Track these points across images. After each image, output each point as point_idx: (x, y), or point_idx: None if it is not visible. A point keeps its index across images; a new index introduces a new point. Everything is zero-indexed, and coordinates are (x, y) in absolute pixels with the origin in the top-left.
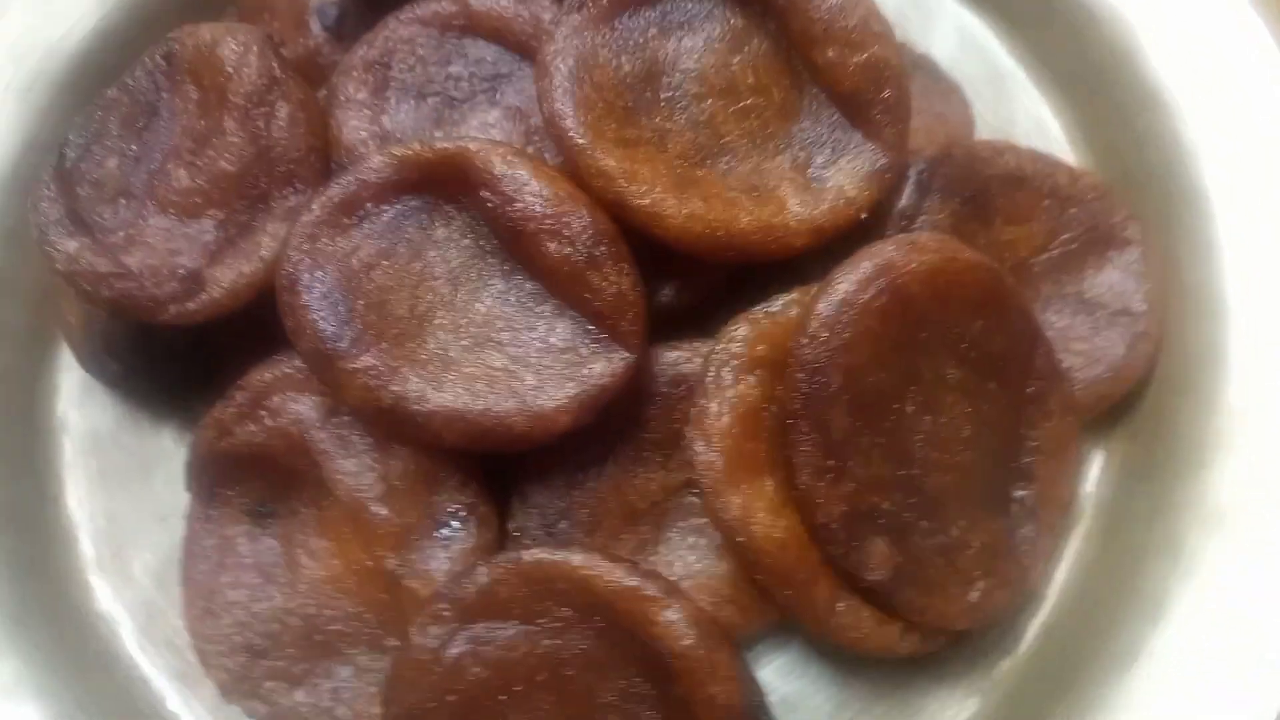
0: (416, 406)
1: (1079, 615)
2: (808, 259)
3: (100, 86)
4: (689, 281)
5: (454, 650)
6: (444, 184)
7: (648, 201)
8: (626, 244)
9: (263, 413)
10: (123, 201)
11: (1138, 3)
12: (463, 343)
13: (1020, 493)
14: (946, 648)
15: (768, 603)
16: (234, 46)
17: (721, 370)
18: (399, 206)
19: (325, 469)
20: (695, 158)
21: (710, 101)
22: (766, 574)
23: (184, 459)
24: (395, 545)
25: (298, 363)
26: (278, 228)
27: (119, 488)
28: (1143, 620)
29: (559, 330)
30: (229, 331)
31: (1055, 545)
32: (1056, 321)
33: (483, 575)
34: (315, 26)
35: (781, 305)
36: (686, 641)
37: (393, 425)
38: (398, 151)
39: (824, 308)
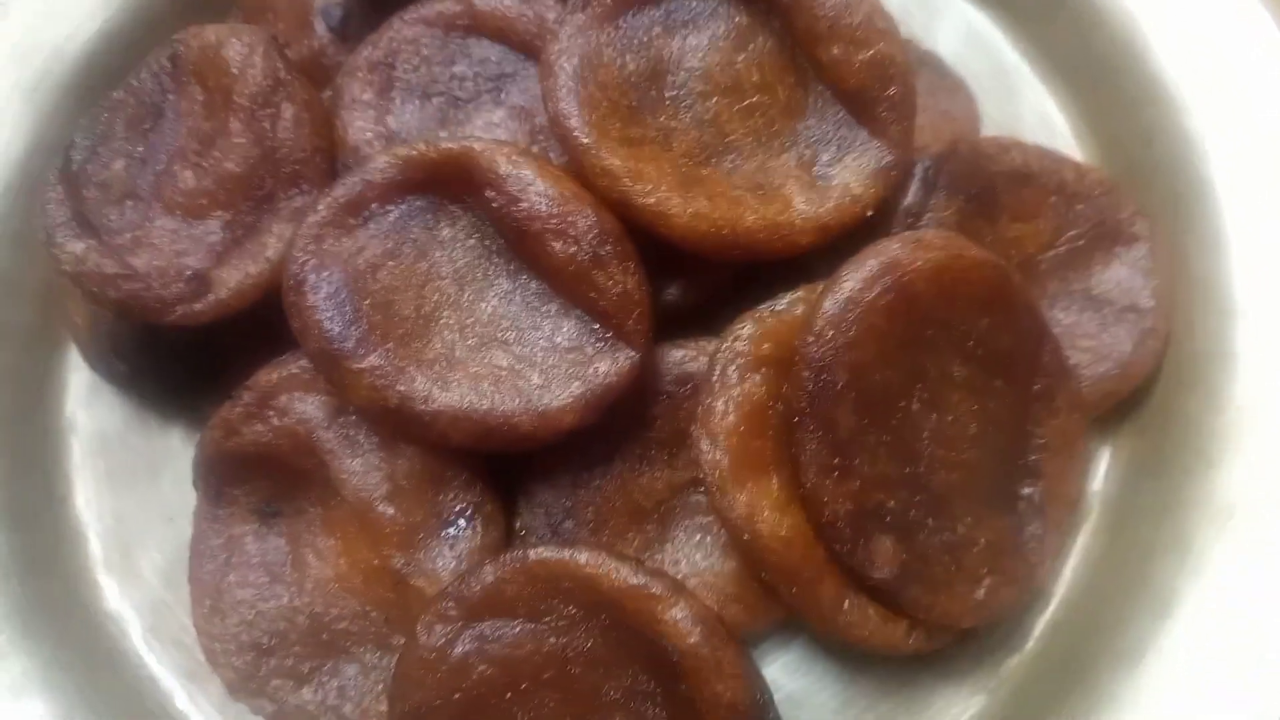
0: (422, 406)
1: (1086, 612)
2: (813, 257)
3: (106, 88)
4: (694, 280)
5: (460, 648)
6: (449, 184)
7: (653, 200)
8: (632, 243)
9: (270, 413)
10: (129, 203)
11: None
12: (468, 342)
13: (1027, 490)
14: (952, 645)
15: (773, 600)
16: (239, 48)
17: (727, 368)
18: (404, 207)
19: (332, 468)
20: (700, 156)
21: (715, 100)
22: (772, 572)
23: (191, 459)
24: (402, 544)
25: (304, 363)
26: (283, 229)
27: (127, 488)
28: (1150, 617)
29: (564, 329)
30: (235, 332)
31: (1062, 543)
32: (1063, 318)
33: (489, 574)
34: (320, 27)
35: (787, 303)
36: (692, 639)
37: (399, 425)
38: (402, 152)
39: (830, 306)
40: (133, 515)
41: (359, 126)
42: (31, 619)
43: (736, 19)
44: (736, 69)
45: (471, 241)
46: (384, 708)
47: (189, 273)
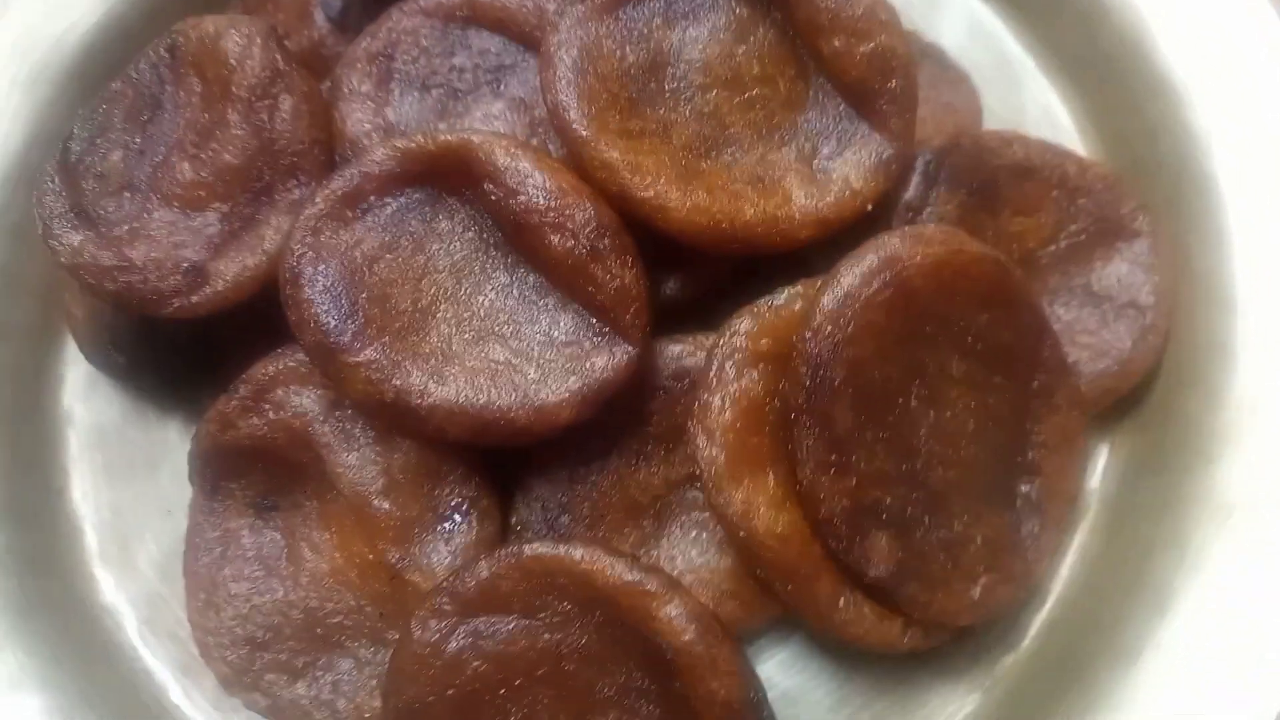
0: (419, 400)
1: (1083, 610)
2: (813, 251)
3: (104, 80)
4: (693, 274)
5: (454, 644)
6: (447, 176)
7: (651, 194)
8: (630, 236)
9: (266, 406)
10: (127, 195)
11: None
12: (465, 336)
13: (1025, 487)
14: (948, 643)
15: (769, 598)
16: (237, 39)
17: (725, 364)
18: (402, 199)
19: (328, 462)
20: (700, 149)
21: (715, 92)
22: (768, 569)
23: (188, 452)
24: (397, 539)
25: (301, 356)
26: (281, 221)
27: (124, 481)
28: (1148, 615)
29: (562, 324)
30: (233, 325)
31: (1060, 540)
32: (1064, 314)
33: (484, 569)
34: (319, 18)
35: (786, 298)
36: (687, 636)
37: (395, 419)
38: (401, 144)
39: (828, 301)
40: (130, 508)
41: (357, 118)
42: (27, 612)
43: (737, 11)
44: (737, 61)
45: (469, 234)
46: (378, 703)
47: (186, 265)
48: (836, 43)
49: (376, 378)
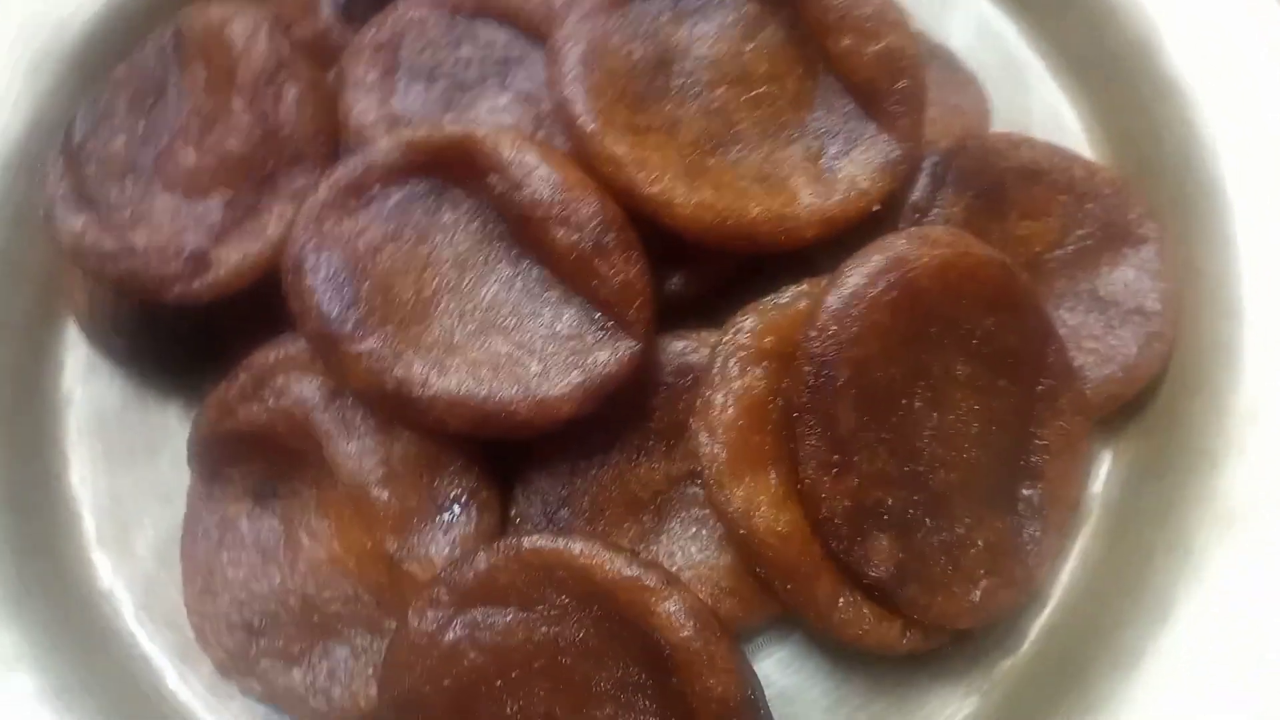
0: (420, 391)
1: (1083, 615)
2: (818, 250)
3: (108, 65)
4: (697, 271)
5: (451, 635)
6: (452, 168)
7: (657, 189)
8: (635, 232)
9: (266, 393)
10: (130, 180)
11: None
12: (468, 328)
13: (1028, 491)
14: (947, 645)
15: (768, 596)
16: (243, 27)
17: (728, 361)
18: (406, 190)
19: (327, 451)
20: (706, 146)
21: (722, 89)
22: (768, 567)
23: (188, 438)
24: (396, 528)
25: (302, 344)
26: (284, 209)
27: (123, 466)
28: (1149, 621)
29: (565, 317)
30: (234, 312)
31: (1061, 545)
32: (1069, 319)
33: (482, 561)
34: (325, 7)
35: (790, 297)
36: (685, 633)
37: (396, 409)
38: (406, 135)
39: (833, 301)
40: (128, 493)
41: (362, 108)
42: (24, 595)
43: (745, 8)
44: (744, 59)
45: (473, 226)
46: (374, 692)
47: (188, 251)
48: (845, 42)
49: (378, 368)
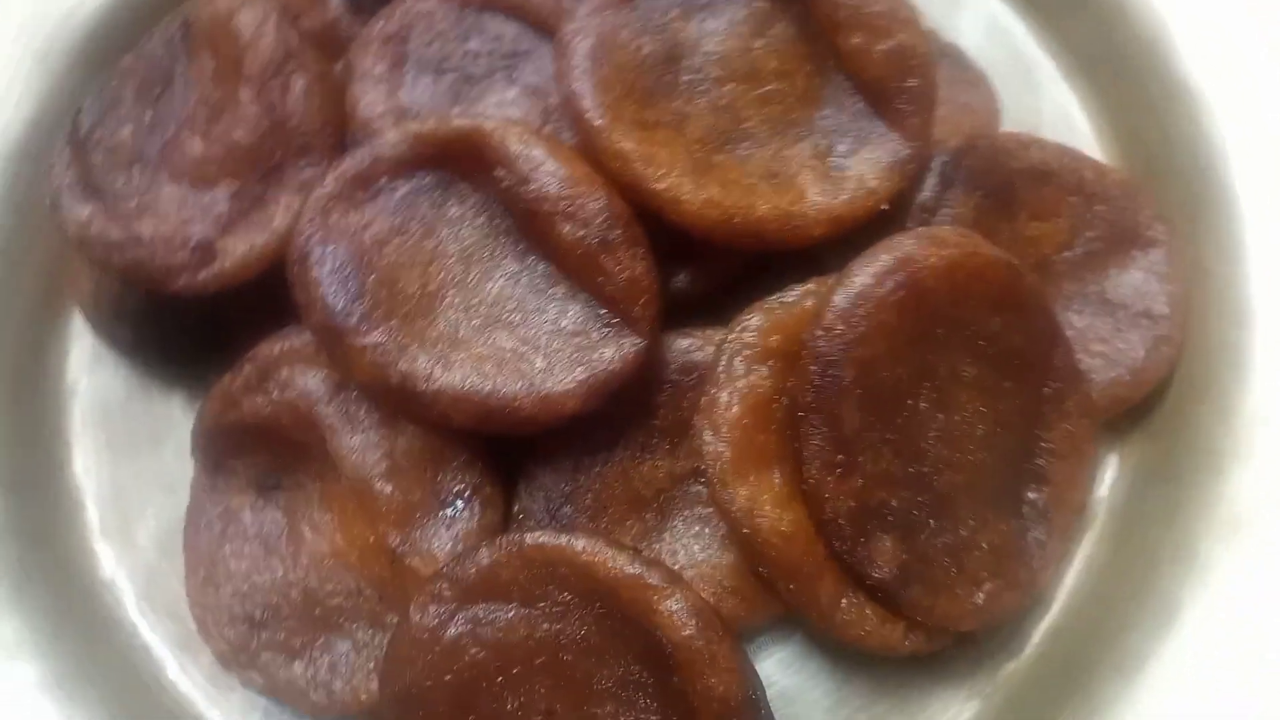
0: (424, 385)
1: (1087, 619)
2: (825, 249)
3: (115, 55)
4: (704, 268)
5: (453, 630)
6: (459, 162)
7: (665, 185)
8: (641, 228)
9: (271, 385)
10: (136, 170)
11: None
12: (473, 322)
13: (1033, 494)
14: (950, 648)
15: (771, 595)
16: (251, 17)
17: (733, 360)
18: (413, 183)
19: (331, 444)
20: (714, 142)
21: (731, 86)
22: (771, 567)
23: (192, 429)
24: (399, 522)
25: (307, 337)
26: (291, 200)
27: (127, 456)
28: (1152, 626)
29: (570, 313)
30: (239, 303)
31: (1066, 549)
32: (1077, 321)
33: (484, 556)
34: None
35: (797, 296)
36: (687, 631)
37: (400, 403)
38: (413, 128)
39: (840, 300)
40: (131, 483)
41: (370, 101)
42: (26, 583)
43: (756, 4)
44: (754, 55)
45: (480, 221)
46: (375, 686)
47: (194, 241)
48: (855, 39)
49: (382, 361)
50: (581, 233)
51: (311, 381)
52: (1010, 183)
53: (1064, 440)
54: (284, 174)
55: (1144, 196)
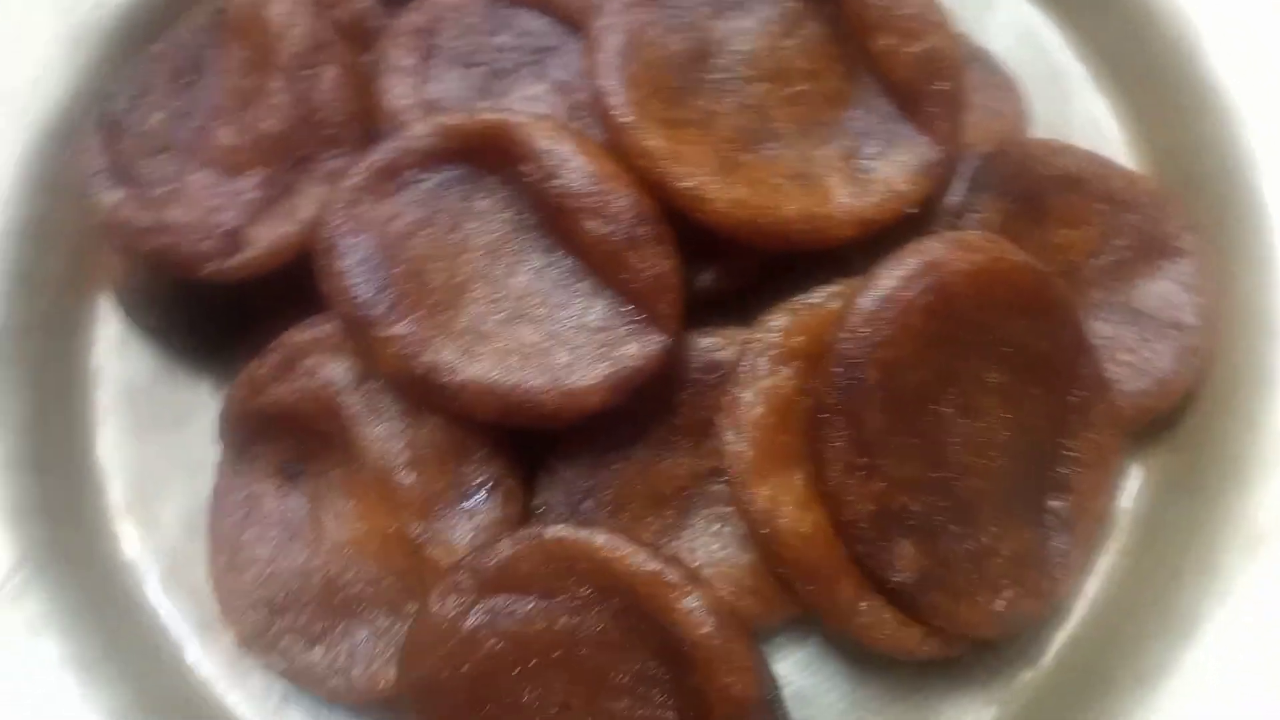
0: (448, 377)
1: (1106, 630)
2: (851, 250)
3: (148, 40)
4: (729, 267)
5: (471, 621)
6: (486, 155)
7: (692, 184)
8: (668, 226)
9: (296, 374)
10: (166, 156)
11: (1201, 2)
12: (498, 316)
13: (1055, 503)
14: (967, 654)
15: (788, 596)
16: (282, 7)
17: (757, 359)
18: (441, 176)
19: (354, 433)
20: (742, 142)
21: (760, 85)
22: (790, 568)
23: (218, 412)
24: (420, 512)
25: (333, 326)
26: (319, 190)
27: (152, 438)
28: (1172, 639)
29: (595, 309)
30: (267, 291)
31: (1087, 559)
32: (1104, 330)
33: (505, 549)
34: None
35: (822, 297)
36: (705, 630)
37: (424, 394)
38: (441, 120)
39: (866, 302)
40: (155, 465)
41: (398, 93)
42: (51, 562)
43: (787, 4)
44: (783, 55)
45: (506, 215)
46: (393, 673)
47: (222, 229)
48: (886, 41)
49: (407, 352)
50: (608, 229)
51: (336, 370)
52: (1039, 189)
53: (1088, 449)
54: (312, 164)
55: (1174, 206)
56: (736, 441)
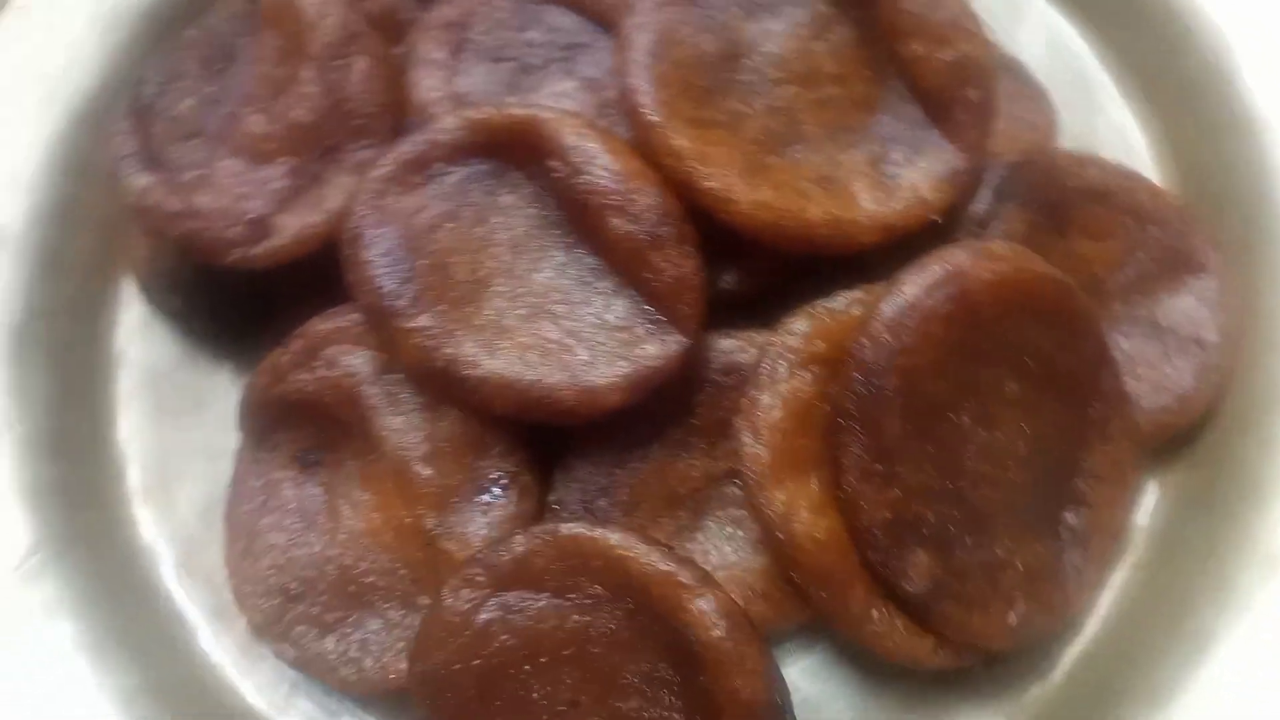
0: (468, 371)
1: (1118, 647)
2: (874, 256)
3: (179, 26)
4: (751, 269)
5: (484, 616)
6: (513, 150)
7: (717, 184)
8: (692, 226)
9: (317, 363)
10: (196, 142)
11: (1236, 18)
12: (519, 311)
13: (1071, 517)
14: (978, 666)
15: (800, 601)
16: None
17: (777, 363)
18: (467, 169)
19: (373, 424)
20: (769, 144)
21: (789, 88)
22: (803, 573)
23: (238, 399)
24: (435, 505)
25: (355, 317)
26: (347, 180)
27: (171, 422)
28: (1184, 657)
29: (616, 307)
30: (291, 280)
31: (1102, 575)
32: (1125, 344)
33: (519, 544)
34: None
35: (844, 302)
36: (716, 632)
37: (444, 387)
38: (470, 114)
39: (888, 309)
40: (175, 450)
41: (428, 85)
42: (67, 544)
43: (818, 7)
44: (813, 58)
45: (531, 210)
46: (404, 665)
47: (250, 216)
48: (917, 47)
49: (429, 344)
50: (632, 228)
51: (357, 361)
52: (1065, 200)
53: (1106, 464)
54: (341, 154)
55: (1199, 222)
56: (754, 444)
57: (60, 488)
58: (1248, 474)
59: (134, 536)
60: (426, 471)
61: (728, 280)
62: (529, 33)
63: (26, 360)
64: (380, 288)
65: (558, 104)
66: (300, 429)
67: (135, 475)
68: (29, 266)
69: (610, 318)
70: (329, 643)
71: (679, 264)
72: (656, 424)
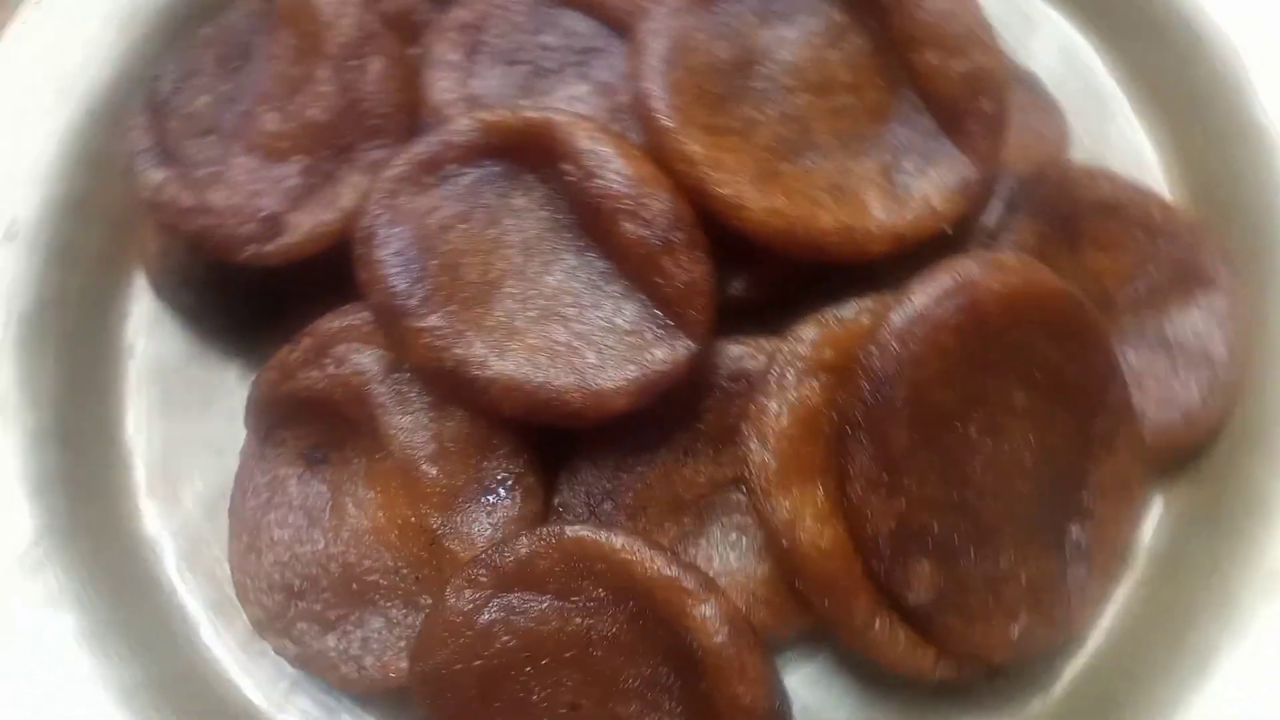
0: (477, 371)
1: (1120, 663)
2: (884, 265)
3: (196, 23)
4: (760, 276)
5: (486, 616)
6: (527, 153)
7: (729, 191)
8: (703, 232)
9: (327, 360)
10: (211, 138)
11: (1249, 33)
12: (529, 313)
13: (1076, 531)
14: (979, 678)
15: (802, 609)
16: None
17: (785, 370)
18: (480, 171)
19: (381, 422)
20: (781, 151)
21: (802, 96)
22: (807, 581)
23: (246, 395)
24: (440, 505)
25: (365, 316)
26: (360, 180)
27: (178, 417)
28: (1186, 674)
29: (626, 311)
30: (303, 278)
31: (1106, 590)
32: (1133, 358)
33: (523, 546)
34: None
35: (853, 311)
36: (718, 638)
37: (452, 387)
38: (484, 116)
39: (897, 318)
40: (181, 445)
41: (442, 86)
42: (72, 536)
43: (833, 15)
44: (827, 66)
45: (543, 213)
46: (405, 664)
47: (263, 214)
48: (931, 57)
49: (438, 344)
50: (643, 232)
51: (366, 359)
52: (1076, 213)
53: (1112, 478)
54: (354, 154)
55: (1209, 238)
56: (760, 451)
57: (65, 479)
58: (1253, 490)
59: (138, 530)
60: (432, 471)
61: (737, 286)
62: (544, 36)
63: (35, 351)
64: (391, 287)
65: (572, 108)
66: (307, 426)
67: (140, 469)
68: (41, 258)
69: (620, 321)
70: (330, 640)
71: (689, 269)
72: (663, 429)
